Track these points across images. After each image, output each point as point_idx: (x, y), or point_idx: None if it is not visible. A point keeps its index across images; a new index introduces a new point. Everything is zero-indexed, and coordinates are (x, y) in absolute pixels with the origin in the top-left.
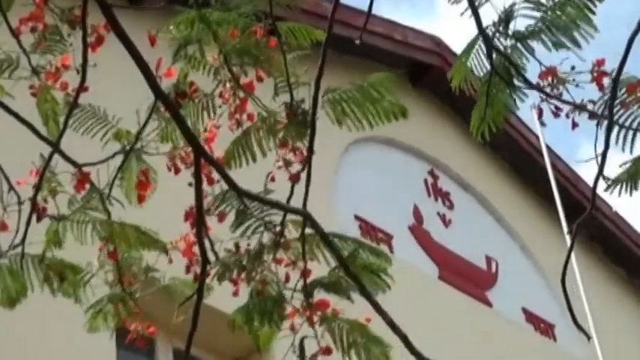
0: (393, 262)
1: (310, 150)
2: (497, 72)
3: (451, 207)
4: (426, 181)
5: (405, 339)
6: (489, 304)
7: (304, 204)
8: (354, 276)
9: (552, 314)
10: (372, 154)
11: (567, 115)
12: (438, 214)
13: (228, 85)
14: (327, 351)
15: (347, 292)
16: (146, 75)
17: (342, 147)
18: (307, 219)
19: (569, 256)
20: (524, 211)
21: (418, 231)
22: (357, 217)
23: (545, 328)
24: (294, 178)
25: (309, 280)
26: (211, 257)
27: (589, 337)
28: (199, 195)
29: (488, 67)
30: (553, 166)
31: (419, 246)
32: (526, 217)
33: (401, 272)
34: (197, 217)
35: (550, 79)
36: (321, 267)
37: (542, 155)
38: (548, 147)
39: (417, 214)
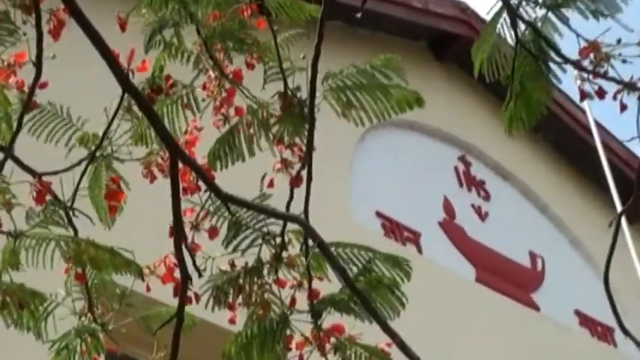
0: (421, 264)
1: (310, 146)
2: (526, 48)
3: (487, 198)
4: (456, 169)
5: None
6: (536, 308)
7: (305, 209)
8: (358, 292)
9: (611, 316)
10: (393, 140)
11: (615, 97)
12: (473, 206)
13: (211, 74)
14: None
15: (359, 311)
16: (113, 67)
17: (358, 135)
18: (304, 227)
19: (612, 250)
20: (573, 198)
21: (450, 227)
22: (378, 214)
23: (603, 332)
24: (295, 183)
25: (317, 300)
26: (200, 274)
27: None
28: (176, 203)
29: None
30: (604, 145)
31: (451, 244)
32: (575, 206)
33: (431, 275)
34: (174, 227)
35: (592, 55)
36: (334, 286)
37: (591, 133)
38: (597, 123)
39: (448, 207)
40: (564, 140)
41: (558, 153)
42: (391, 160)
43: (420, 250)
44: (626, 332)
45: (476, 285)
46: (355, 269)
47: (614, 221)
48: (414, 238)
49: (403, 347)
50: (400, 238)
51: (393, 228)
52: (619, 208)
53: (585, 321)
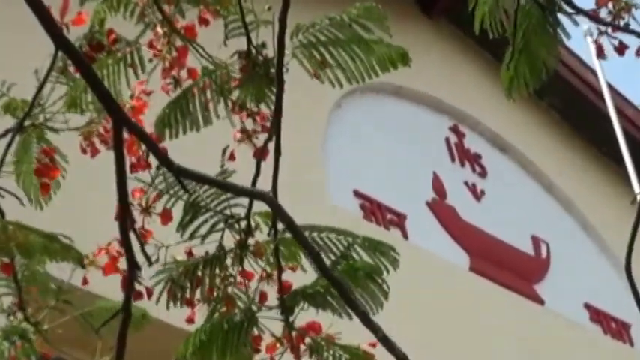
0: (407, 250)
1: (278, 113)
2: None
3: (483, 174)
4: (448, 140)
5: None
6: (540, 301)
7: (273, 186)
8: (336, 281)
9: (627, 310)
10: (374, 108)
11: (638, 53)
12: (466, 184)
13: (160, 30)
14: None
15: (338, 305)
16: (43, 20)
17: (333, 101)
18: (272, 206)
19: (635, 232)
20: (583, 174)
21: (440, 208)
22: (357, 194)
23: (617, 329)
24: (260, 155)
25: (289, 294)
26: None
27: None
28: (121, 180)
29: None
30: (619, 112)
31: (442, 228)
32: (586, 183)
33: (418, 264)
34: (119, 209)
35: (610, 4)
36: (308, 277)
37: (603, 99)
38: (610, 86)
39: (438, 185)
40: (573, 107)
41: (566, 122)
42: (372, 131)
43: (405, 235)
44: None
45: (470, 275)
46: (332, 256)
47: (637, 197)
48: (399, 221)
49: (387, 344)
50: (382, 221)
51: (373, 209)
52: (636, 184)
53: (597, 316)
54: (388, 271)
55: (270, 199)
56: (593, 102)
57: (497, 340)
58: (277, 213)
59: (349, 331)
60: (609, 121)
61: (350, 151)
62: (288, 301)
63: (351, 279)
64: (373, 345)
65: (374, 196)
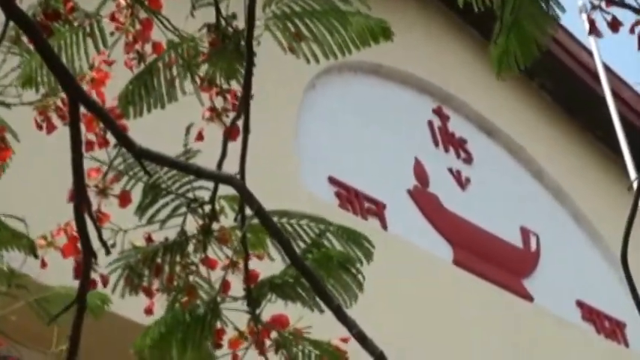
0: (386, 242)
1: (247, 89)
2: None
3: (469, 160)
4: (430, 123)
5: (381, 358)
6: (529, 298)
7: (241, 168)
8: (307, 270)
9: (622, 308)
10: (351, 88)
11: (632, 29)
12: (451, 170)
13: (122, 1)
14: None
15: (308, 297)
16: None
17: (306, 80)
18: (239, 190)
19: (631, 220)
20: (576, 161)
21: (422, 196)
22: (332, 181)
23: (611, 328)
24: (228, 135)
25: (255, 284)
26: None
27: None
28: (77, 159)
29: None
30: (615, 94)
31: (424, 218)
32: (579, 171)
33: (398, 256)
34: (74, 190)
35: None
36: (277, 267)
37: (598, 80)
38: (606, 67)
39: (420, 172)
40: (565, 88)
41: (558, 104)
42: (348, 113)
43: (384, 225)
44: None
45: (453, 268)
46: (303, 245)
47: (633, 184)
48: (377, 210)
49: (363, 340)
50: (360, 210)
51: (350, 198)
52: (632, 171)
53: (589, 314)
54: (362, 263)
55: (238, 181)
56: (588, 83)
57: (482, 340)
58: (244, 197)
59: (320, 325)
60: (605, 104)
61: (325, 134)
62: (255, 292)
63: (323, 269)
64: (345, 341)
65: (350, 183)
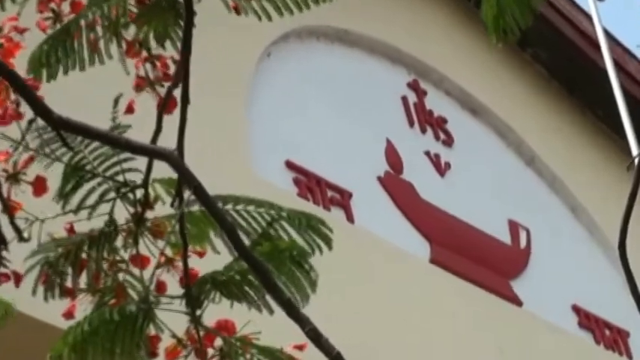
0: (352, 236)
1: (186, 53)
2: None
3: (449, 142)
4: (405, 100)
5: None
6: (517, 302)
7: (179, 144)
8: (255, 262)
9: (625, 315)
10: (313, 57)
11: None
12: (428, 154)
13: None
14: None
15: (257, 297)
16: None
17: (260, 48)
18: (176, 168)
19: (631, 204)
20: (574, 144)
21: (394, 184)
22: (290, 166)
23: (612, 337)
24: (164, 107)
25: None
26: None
27: None
28: None
29: None
30: (619, 66)
31: (396, 209)
32: (577, 156)
33: (366, 252)
34: None
35: None
36: (222, 261)
37: (599, 50)
38: (608, 34)
39: (392, 156)
40: (562, 59)
41: (553, 78)
42: (309, 87)
43: (350, 218)
44: None
45: (431, 268)
46: (252, 234)
47: (632, 162)
48: (342, 199)
49: (317, 339)
50: (322, 199)
51: (310, 185)
52: (635, 150)
53: (587, 321)
54: (321, 251)
55: (175, 159)
56: (588, 54)
57: (463, 350)
58: (183, 176)
59: (270, 330)
60: (607, 78)
61: (281, 111)
62: (196, 291)
63: (273, 264)
64: (301, 348)
65: (311, 168)
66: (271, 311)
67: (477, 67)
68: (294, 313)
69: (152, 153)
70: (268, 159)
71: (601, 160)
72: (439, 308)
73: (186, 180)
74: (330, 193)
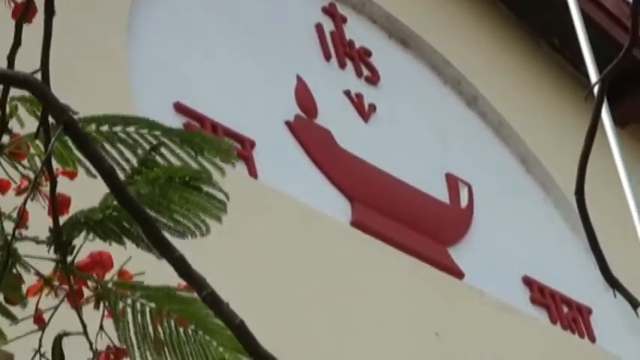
0: (256, 194)
1: None
2: None
3: (374, 80)
4: (319, 28)
5: (241, 329)
6: (458, 273)
7: (43, 65)
8: (134, 208)
9: (587, 288)
10: None
11: None
12: (348, 94)
13: None
14: (119, 354)
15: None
16: None
17: None
18: (38, 93)
19: (590, 140)
20: (524, 80)
21: (307, 131)
22: (180, 109)
23: (571, 315)
24: (20, 14)
25: (66, 216)
26: None
27: (636, 307)
28: None
29: None
30: None
31: (309, 161)
32: (527, 94)
33: (273, 215)
34: None
35: None
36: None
37: None
38: None
39: (304, 96)
40: None
41: (501, 1)
42: (202, 13)
43: (253, 172)
44: (613, 282)
45: (352, 232)
46: (135, 160)
47: (591, 90)
48: (244, 150)
49: (217, 305)
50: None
51: (204, 131)
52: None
53: (541, 296)
54: (223, 173)
55: (36, 83)
56: None
57: (392, 329)
58: (47, 103)
59: (155, 268)
60: (565, 1)
61: (169, 42)
62: (66, 233)
63: (162, 194)
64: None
65: (205, 111)
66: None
67: None
68: (186, 271)
69: (8, 79)
70: (153, 99)
71: (557, 100)
72: (362, 281)
73: (53, 112)
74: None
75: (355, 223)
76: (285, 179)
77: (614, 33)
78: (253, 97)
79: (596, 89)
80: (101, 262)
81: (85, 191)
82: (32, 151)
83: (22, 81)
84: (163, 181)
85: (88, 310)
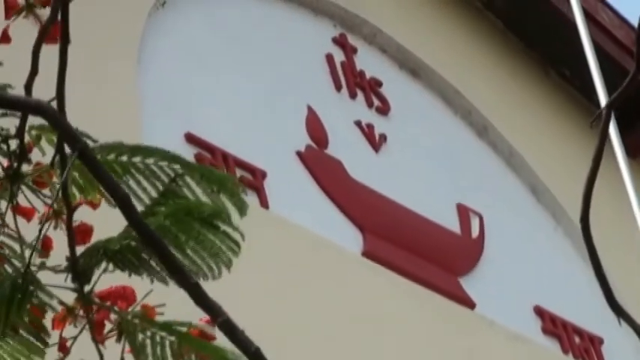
0: (267, 224)
1: None
2: None
3: (384, 110)
4: (330, 59)
5: (257, 356)
6: (469, 303)
7: (58, 93)
8: (151, 238)
9: (598, 318)
10: (217, 6)
11: None
12: (359, 124)
13: None
14: None
15: (159, 266)
16: None
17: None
18: (53, 122)
19: (596, 165)
20: (536, 111)
21: (318, 162)
22: (190, 139)
23: (583, 345)
24: (43, 36)
25: (84, 246)
26: None
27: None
28: None
29: None
30: (588, 16)
31: (321, 191)
32: (539, 125)
33: (284, 245)
34: None
35: None
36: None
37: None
38: None
39: (315, 127)
40: (521, 9)
41: (510, 31)
42: (214, 44)
43: (264, 203)
44: (617, 309)
45: (363, 262)
46: (153, 192)
47: (597, 117)
48: (255, 180)
49: (231, 332)
50: None
51: (216, 162)
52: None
53: (553, 326)
54: (244, 213)
55: (51, 111)
56: (551, 1)
57: (403, 359)
58: (64, 134)
59: (179, 300)
60: (575, 31)
61: (180, 73)
62: (83, 263)
63: (179, 228)
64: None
65: (216, 142)
66: (167, 283)
67: (418, 19)
68: (201, 299)
69: (21, 105)
70: (164, 130)
71: (568, 129)
72: (373, 311)
73: (68, 139)
74: (239, 173)
75: (366, 254)
76: (296, 209)
77: (624, 62)
78: (264, 128)
79: (604, 114)
80: (124, 295)
81: (110, 220)
82: (55, 179)
83: (35, 107)
84: (182, 215)
85: (109, 342)
